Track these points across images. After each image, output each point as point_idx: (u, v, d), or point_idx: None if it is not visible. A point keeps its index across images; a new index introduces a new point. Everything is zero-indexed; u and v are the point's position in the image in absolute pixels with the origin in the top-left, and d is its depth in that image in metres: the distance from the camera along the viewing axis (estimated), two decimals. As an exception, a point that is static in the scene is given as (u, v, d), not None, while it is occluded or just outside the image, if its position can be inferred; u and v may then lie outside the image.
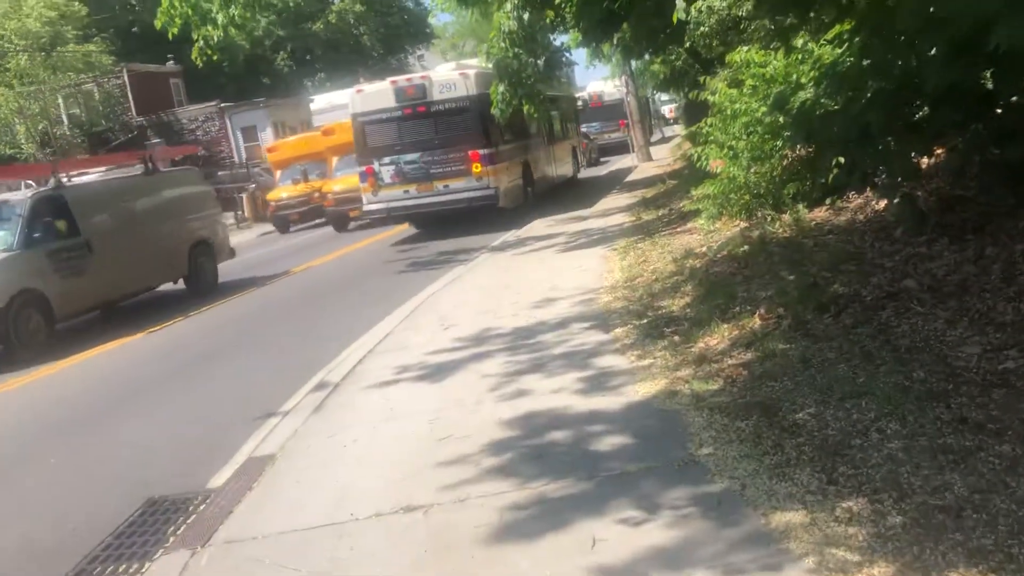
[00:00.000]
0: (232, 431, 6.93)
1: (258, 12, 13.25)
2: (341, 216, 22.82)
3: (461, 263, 13.60)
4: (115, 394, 9.12)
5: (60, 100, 38.92)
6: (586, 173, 30.60)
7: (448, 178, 17.51)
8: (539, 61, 13.95)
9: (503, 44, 12.78)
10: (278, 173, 28.53)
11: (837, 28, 6.51)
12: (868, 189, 7.25)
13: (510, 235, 16.24)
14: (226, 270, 16.50)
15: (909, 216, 6.38)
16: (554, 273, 11.05)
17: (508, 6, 12.61)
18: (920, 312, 5.58)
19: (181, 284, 15.25)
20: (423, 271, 13.67)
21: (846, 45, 6.93)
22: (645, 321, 7.48)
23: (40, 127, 37.99)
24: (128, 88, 41.60)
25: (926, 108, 6.30)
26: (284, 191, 26.72)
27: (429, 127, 17.60)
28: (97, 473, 6.60)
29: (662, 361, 6.24)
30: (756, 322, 6.36)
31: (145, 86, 42.64)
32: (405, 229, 19.79)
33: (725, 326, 6.54)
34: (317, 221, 25.42)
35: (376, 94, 18.10)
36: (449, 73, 18.55)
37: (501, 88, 13.42)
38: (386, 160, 17.71)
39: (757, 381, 5.32)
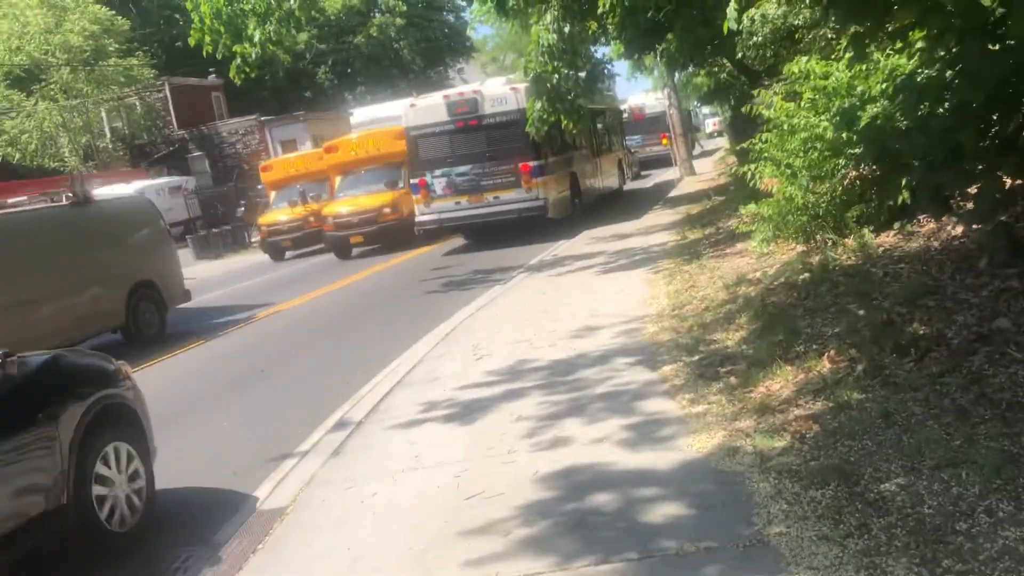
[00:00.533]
0: (245, 473, 6.40)
1: (293, 28, 12.89)
2: (342, 242, 20.77)
3: (498, 282, 13.00)
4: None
5: (103, 113, 39.20)
6: (631, 185, 30.20)
7: (498, 190, 18.05)
8: (581, 75, 13.35)
9: (542, 58, 12.20)
10: (272, 194, 25.77)
11: (918, 33, 5.81)
12: (949, 214, 6.52)
13: (548, 253, 15.73)
14: (191, 310, 15.20)
15: (1003, 246, 5.64)
16: (595, 297, 10.40)
17: (548, 18, 12.05)
18: (1019, 359, 4.84)
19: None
20: (456, 291, 13.10)
21: (924, 53, 6.23)
22: (696, 358, 6.79)
23: (83, 140, 38.30)
24: (169, 101, 41.83)
25: (1020, 121, 5.57)
26: (280, 214, 23.95)
27: (480, 140, 18.14)
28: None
29: (718, 408, 5.56)
30: (825, 365, 5.65)
31: (186, 99, 42.87)
32: (412, 256, 19.32)
33: (788, 368, 5.84)
34: (316, 247, 22.91)
35: (429, 108, 18.70)
36: (500, 88, 18.80)
37: (538, 105, 12.84)
38: (438, 172, 18.29)
39: (831, 439, 4.62)
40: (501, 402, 6.74)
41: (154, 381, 10.25)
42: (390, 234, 20.23)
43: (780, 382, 5.69)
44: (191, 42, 11.83)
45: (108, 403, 5.56)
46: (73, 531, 5.13)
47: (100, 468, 5.30)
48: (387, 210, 20.30)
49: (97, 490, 5.23)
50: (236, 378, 9.98)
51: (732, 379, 6.05)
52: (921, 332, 5.56)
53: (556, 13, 12.04)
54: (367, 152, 21.92)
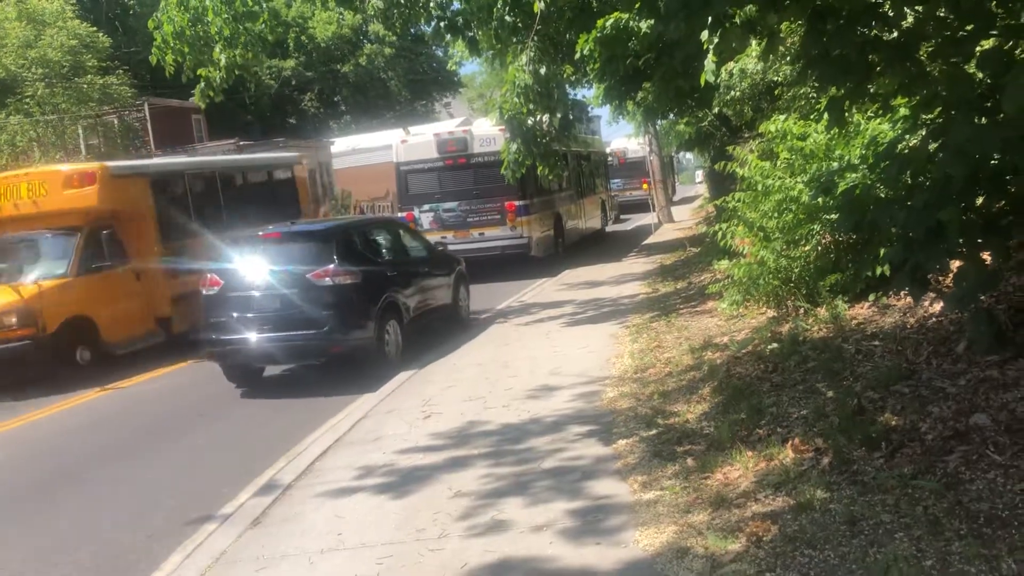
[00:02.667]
0: (160, 537, 5.84)
1: (262, 52, 12.48)
2: None
3: (466, 329, 12.51)
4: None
5: (80, 130, 38.57)
6: (612, 228, 30.15)
7: (484, 226, 18.64)
8: (555, 118, 12.97)
9: (517, 100, 11.81)
10: None
11: (902, 100, 5.46)
12: (928, 293, 6.13)
13: (522, 296, 15.41)
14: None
15: (984, 333, 5.24)
16: (557, 353, 9.93)
17: (523, 59, 11.68)
18: (999, 463, 4.41)
19: None
20: (416, 335, 12.58)
21: (907, 120, 5.88)
22: (654, 432, 6.32)
23: (58, 157, 37.59)
24: (148, 121, 41.23)
25: (1003, 203, 5.20)
26: None
27: (468, 178, 18.74)
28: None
29: (671, 496, 5.08)
30: (788, 454, 5.20)
31: (165, 120, 42.22)
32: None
33: (749, 454, 5.38)
34: None
35: (419, 145, 19.31)
36: (489, 128, 19.11)
37: (514, 147, 12.44)
38: (426, 207, 18.75)
39: (790, 545, 4.15)
40: (442, 472, 6.23)
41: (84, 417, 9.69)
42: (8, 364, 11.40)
43: (739, 469, 5.23)
44: (151, 61, 11.39)
45: (461, 269, 13.20)
46: (450, 315, 12.51)
47: (461, 292, 13.01)
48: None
49: (461, 300, 13.01)
50: (176, 421, 9.39)
51: (689, 461, 5.58)
52: (893, 423, 5.13)
53: (531, 54, 11.69)
54: (14, 207, 13.00)
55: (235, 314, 9.85)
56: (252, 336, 9.78)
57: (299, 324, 9.68)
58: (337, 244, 10.29)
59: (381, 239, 11.87)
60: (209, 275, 10.20)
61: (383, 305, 10.37)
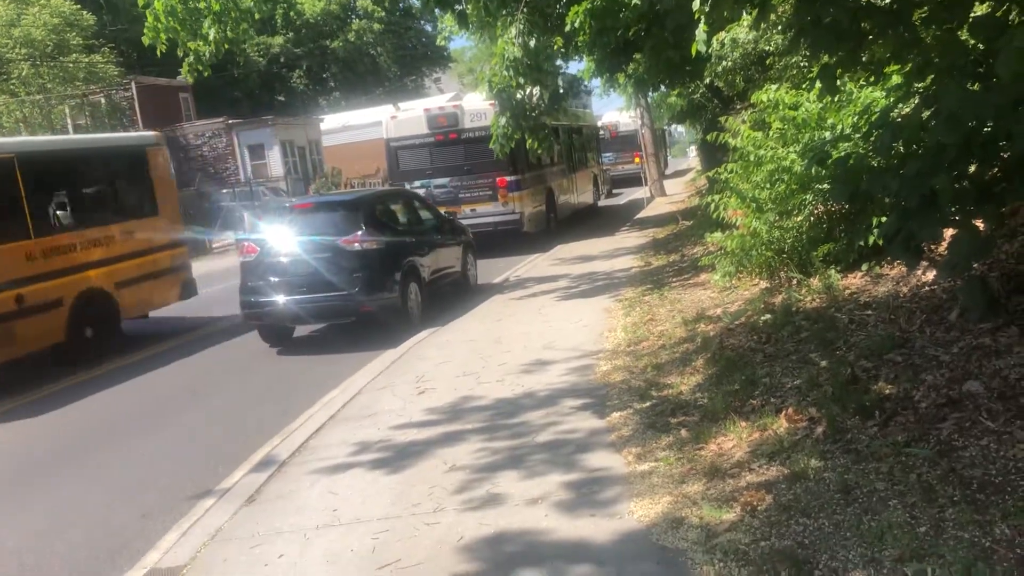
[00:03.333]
0: (155, 515, 5.84)
1: (251, 28, 12.36)
2: None
3: (459, 305, 12.48)
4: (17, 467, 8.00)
5: (67, 110, 38.25)
6: (605, 202, 30.11)
7: (476, 202, 18.51)
8: (545, 91, 12.89)
9: (506, 73, 11.72)
10: None
11: (894, 68, 5.42)
12: (922, 263, 6.13)
13: (514, 272, 15.39)
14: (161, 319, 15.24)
15: (977, 300, 5.24)
16: (551, 327, 9.92)
17: (513, 31, 11.57)
18: (992, 429, 4.42)
19: None
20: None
21: (900, 88, 5.84)
22: (648, 404, 6.33)
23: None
24: (136, 100, 40.91)
25: (996, 170, 5.18)
26: None
27: (459, 154, 18.65)
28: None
29: (665, 467, 5.09)
30: (782, 423, 5.21)
31: (153, 99, 41.93)
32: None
33: (743, 424, 5.39)
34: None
35: (409, 121, 19.17)
36: (480, 103, 18.94)
37: (503, 121, 12.36)
38: (417, 184, 18.39)
39: (784, 514, 4.16)
40: (437, 447, 6.23)
41: (88, 403, 9.66)
42: None
43: (733, 440, 5.24)
44: (144, 42, 11.24)
45: (468, 239, 13.86)
46: (460, 282, 13.29)
47: (469, 259, 13.62)
48: None
49: (469, 267, 13.57)
50: (180, 398, 9.36)
51: (683, 432, 5.59)
52: (887, 392, 5.13)
53: (521, 27, 11.58)
54: None
55: (272, 279, 10.72)
56: (287, 299, 10.61)
57: (331, 286, 10.50)
58: (364, 213, 11.06)
59: (399, 208, 12.63)
60: (246, 243, 11.23)
61: (405, 269, 11.22)
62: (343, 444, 6.63)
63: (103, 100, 39.50)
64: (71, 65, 34.44)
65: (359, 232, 10.68)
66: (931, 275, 6.70)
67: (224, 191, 35.12)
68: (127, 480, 6.83)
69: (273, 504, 5.61)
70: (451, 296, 12.78)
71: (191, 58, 11.21)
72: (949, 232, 5.41)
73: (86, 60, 35.20)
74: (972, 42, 4.67)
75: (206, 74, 11.65)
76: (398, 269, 11.05)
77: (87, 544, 5.61)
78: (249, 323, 11.33)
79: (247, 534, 5.16)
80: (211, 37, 10.99)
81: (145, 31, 11.04)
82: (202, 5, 10.83)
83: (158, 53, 11.33)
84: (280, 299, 10.63)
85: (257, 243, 11.06)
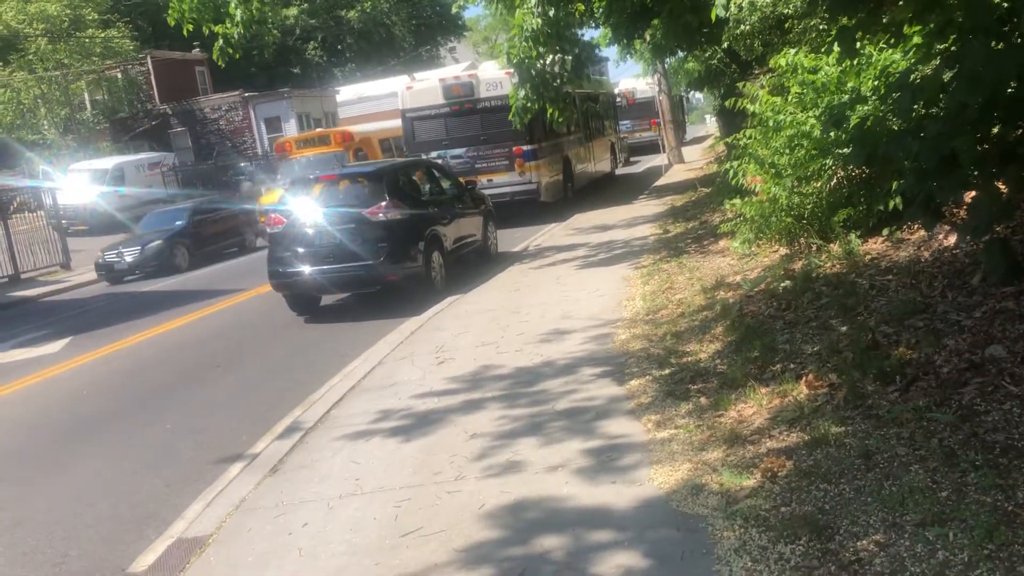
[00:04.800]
0: (180, 486, 5.93)
1: (278, 4, 12.34)
2: None
3: (477, 275, 12.50)
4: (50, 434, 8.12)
5: (84, 85, 38.34)
6: (622, 170, 29.92)
7: (492, 173, 18.30)
8: (567, 60, 12.77)
9: (526, 43, 11.62)
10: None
11: (914, 28, 5.33)
12: (942, 225, 6.06)
13: (532, 242, 15.40)
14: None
15: (999, 263, 5.18)
16: (569, 296, 9.92)
17: (532, 1, 11.45)
18: (1015, 394, 4.39)
19: None
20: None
21: (920, 49, 5.74)
22: (667, 372, 6.33)
23: (63, 113, 37.45)
24: (152, 75, 40.93)
25: (1020, 131, 5.11)
26: None
27: (475, 124, 18.53)
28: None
29: (685, 434, 5.10)
30: (802, 390, 5.20)
31: (170, 73, 41.93)
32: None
33: (763, 391, 5.38)
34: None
35: (425, 91, 19.05)
36: (495, 72, 18.88)
37: (522, 92, 12.28)
38: (433, 155, 18.12)
39: (805, 480, 4.17)
40: (457, 415, 6.27)
41: (104, 369, 9.78)
42: None
43: (753, 407, 5.24)
44: (170, 22, 11.25)
45: (488, 207, 13.95)
46: (481, 251, 13.43)
47: (490, 228, 13.81)
48: None
49: (490, 236, 13.69)
50: (199, 368, 9.46)
51: (702, 399, 5.59)
52: (908, 357, 5.10)
53: (540, -4, 11.46)
54: None
55: (299, 249, 10.86)
56: (314, 269, 10.76)
57: (356, 256, 10.68)
58: (387, 183, 11.22)
59: (421, 178, 12.70)
60: (273, 215, 11.45)
61: (428, 238, 11.34)
62: (365, 414, 6.69)
63: (119, 75, 39.56)
64: (87, 40, 34.43)
65: (383, 203, 10.81)
66: (952, 239, 6.63)
67: (243, 164, 35.20)
68: (152, 451, 6.93)
69: (297, 473, 5.67)
70: (472, 264, 12.90)
71: (220, 42, 11.21)
72: (970, 195, 5.36)
73: (102, 35, 35.18)
74: (996, 0, 4.58)
75: (236, 56, 11.61)
76: (421, 239, 11.17)
77: (114, 515, 5.71)
78: (277, 292, 11.52)
79: (271, 503, 5.23)
80: (237, 18, 11.00)
81: (170, 12, 11.05)
82: None
83: (184, 33, 11.35)
84: (307, 269, 10.79)
85: (284, 214, 11.26)
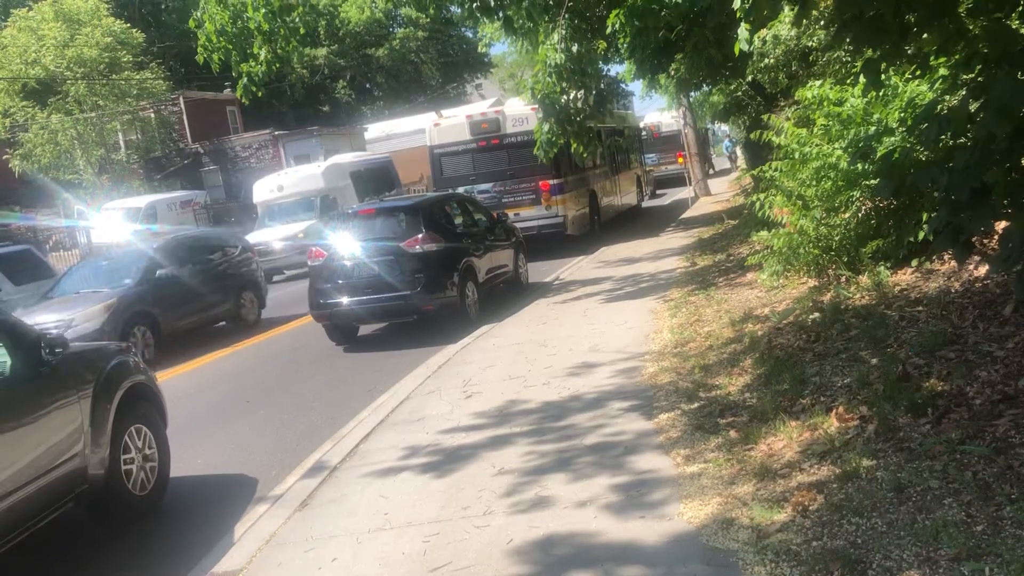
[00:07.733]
0: (212, 523, 5.97)
1: (299, 44, 12.62)
2: None
3: (501, 309, 12.54)
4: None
5: (118, 126, 39.13)
6: (648, 203, 30.01)
7: (519, 207, 18.42)
8: (590, 95, 12.89)
9: (550, 79, 11.76)
10: None
11: (940, 60, 5.33)
12: (972, 256, 6.02)
13: (559, 275, 15.45)
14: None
15: (1031, 295, 5.12)
16: (596, 329, 9.92)
17: (555, 37, 11.60)
18: (1050, 426, 4.33)
19: None
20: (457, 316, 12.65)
21: (946, 80, 5.74)
22: (696, 405, 6.30)
23: (98, 153, 38.21)
24: (184, 114, 41.75)
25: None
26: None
27: (502, 159, 18.77)
28: None
29: (715, 468, 5.06)
30: (833, 423, 5.15)
31: (201, 113, 42.78)
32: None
33: (793, 424, 5.34)
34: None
35: (452, 127, 19.37)
36: (521, 108, 19.06)
37: (546, 127, 12.41)
38: (461, 190, 18.19)
39: (836, 514, 4.12)
40: (485, 450, 6.27)
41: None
42: None
43: (783, 440, 5.19)
44: (199, 60, 11.55)
45: (519, 239, 14.45)
46: (512, 281, 13.80)
47: (520, 259, 14.48)
48: None
49: (521, 267, 14.37)
50: (232, 402, 9.54)
51: (732, 433, 5.56)
52: (939, 389, 5.05)
53: (564, 32, 11.60)
54: None
55: (339, 281, 11.28)
56: (353, 299, 11.18)
57: (393, 288, 11.07)
58: (423, 217, 11.63)
59: (455, 211, 13.16)
60: (314, 248, 11.87)
61: (462, 269, 11.71)
62: (393, 448, 6.70)
63: (153, 115, 40.34)
64: (123, 83, 35.21)
65: (419, 235, 11.19)
66: (983, 270, 6.58)
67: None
68: (184, 483, 6.98)
69: (326, 509, 5.69)
70: (503, 295, 13.13)
71: (244, 80, 11.46)
72: (1000, 225, 5.33)
73: (137, 76, 35.97)
74: (1022, 30, 4.58)
75: (259, 94, 11.89)
76: (456, 270, 11.51)
77: (143, 548, 5.75)
78: (318, 323, 11.89)
79: (301, 539, 5.25)
80: (262, 57, 11.26)
81: (199, 49, 11.34)
82: (252, 25, 11.08)
83: (214, 70, 11.63)
84: (345, 300, 11.18)
85: (324, 248, 11.68)
